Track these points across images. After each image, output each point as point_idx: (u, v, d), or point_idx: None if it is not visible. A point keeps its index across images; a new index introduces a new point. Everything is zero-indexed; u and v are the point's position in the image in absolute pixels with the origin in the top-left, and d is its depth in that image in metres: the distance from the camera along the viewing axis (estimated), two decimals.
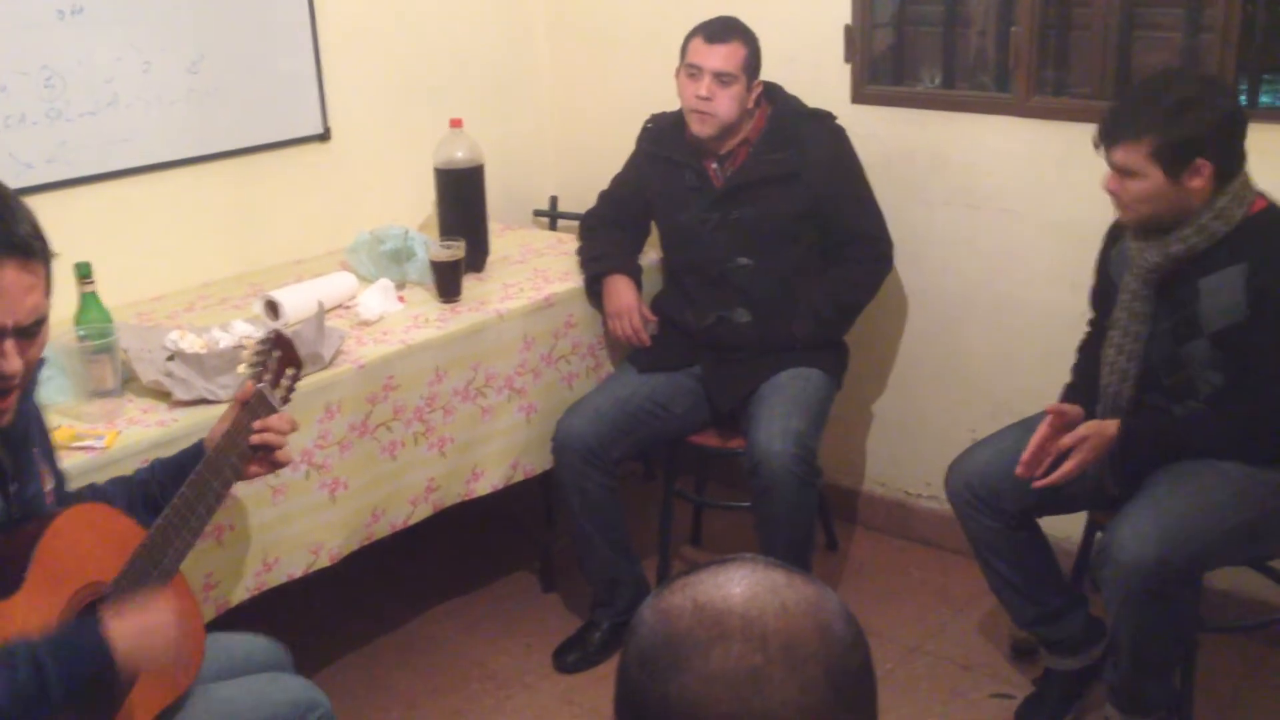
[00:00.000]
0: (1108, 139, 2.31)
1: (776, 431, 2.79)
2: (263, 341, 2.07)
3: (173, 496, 1.86)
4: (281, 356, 2.07)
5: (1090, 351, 2.61)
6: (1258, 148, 2.32)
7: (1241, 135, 2.29)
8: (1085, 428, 2.38)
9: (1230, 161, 2.29)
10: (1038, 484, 2.40)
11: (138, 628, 1.65)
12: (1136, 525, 2.27)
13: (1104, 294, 2.56)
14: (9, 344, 1.58)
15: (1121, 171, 2.30)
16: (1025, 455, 2.41)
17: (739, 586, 0.92)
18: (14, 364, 1.59)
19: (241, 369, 2.08)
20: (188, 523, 1.85)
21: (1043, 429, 2.40)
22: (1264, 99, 2.75)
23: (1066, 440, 2.37)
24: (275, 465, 2.03)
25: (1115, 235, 2.55)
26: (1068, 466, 2.36)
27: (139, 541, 1.80)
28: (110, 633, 1.61)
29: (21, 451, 1.75)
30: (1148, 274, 2.37)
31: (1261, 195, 2.34)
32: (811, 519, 2.91)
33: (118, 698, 1.71)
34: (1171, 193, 2.27)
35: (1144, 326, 2.41)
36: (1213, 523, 2.28)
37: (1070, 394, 2.58)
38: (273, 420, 2.00)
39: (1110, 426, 2.38)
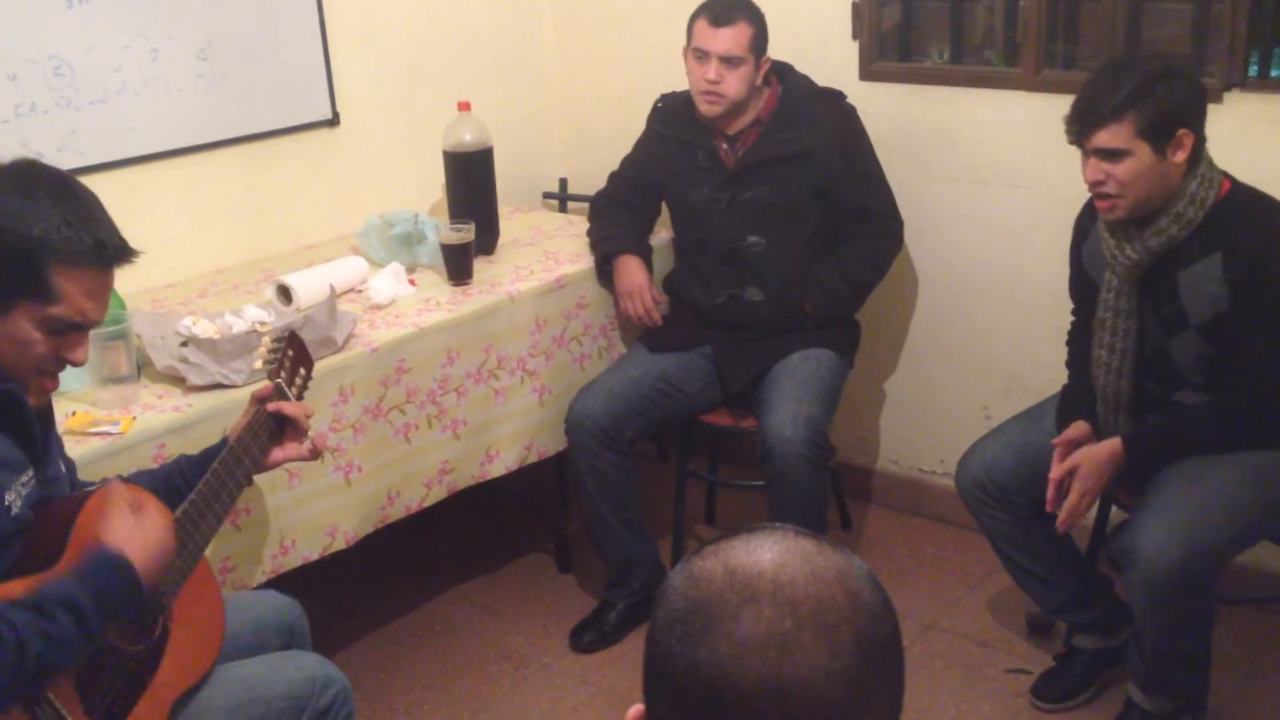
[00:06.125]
0: (1087, 126, 2.27)
1: (788, 417, 2.79)
2: (277, 340, 2.16)
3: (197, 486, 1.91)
4: (295, 356, 2.15)
5: (1079, 347, 2.61)
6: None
7: (1205, 108, 2.28)
8: (1075, 457, 2.38)
9: (1202, 134, 2.27)
10: (1062, 528, 2.42)
11: (131, 531, 1.68)
12: (1155, 532, 2.25)
13: (1081, 287, 2.57)
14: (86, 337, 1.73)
15: (1106, 156, 2.26)
16: (1050, 494, 2.41)
17: (769, 553, 0.92)
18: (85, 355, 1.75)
19: (258, 365, 2.15)
20: (212, 507, 1.90)
21: (1055, 465, 2.41)
22: (1275, 71, 2.71)
23: (1055, 474, 2.38)
24: (301, 445, 2.11)
25: (1084, 229, 2.54)
26: (1072, 501, 2.37)
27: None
28: (116, 545, 1.65)
29: (47, 432, 1.79)
30: (1130, 271, 2.36)
31: (1225, 176, 2.33)
32: (824, 502, 2.91)
33: (146, 603, 1.73)
34: (1158, 169, 2.25)
35: (1131, 322, 2.40)
36: (1229, 518, 2.27)
37: (1069, 396, 2.57)
38: (291, 404, 2.11)
39: (1102, 449, 2.37)
